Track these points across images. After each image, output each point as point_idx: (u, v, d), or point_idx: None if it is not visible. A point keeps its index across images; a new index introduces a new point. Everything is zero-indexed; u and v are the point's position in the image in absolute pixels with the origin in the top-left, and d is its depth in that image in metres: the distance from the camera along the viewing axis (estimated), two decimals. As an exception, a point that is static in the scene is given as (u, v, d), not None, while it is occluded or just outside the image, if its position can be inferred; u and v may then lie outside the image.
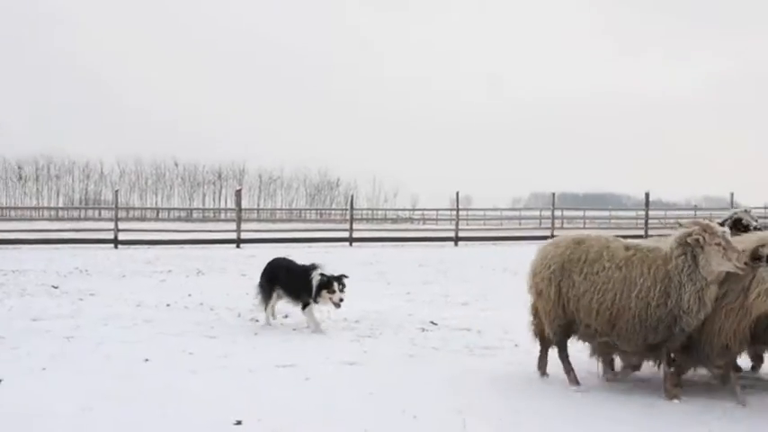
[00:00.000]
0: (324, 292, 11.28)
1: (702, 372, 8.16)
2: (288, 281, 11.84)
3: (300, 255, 12.89)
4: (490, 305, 14.42)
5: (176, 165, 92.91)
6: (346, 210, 38.19)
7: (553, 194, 38.41)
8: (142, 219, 58.04)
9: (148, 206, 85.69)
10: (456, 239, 34.69)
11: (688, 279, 7.34)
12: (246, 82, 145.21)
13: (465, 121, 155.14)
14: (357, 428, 6.69)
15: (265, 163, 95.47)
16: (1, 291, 15.96)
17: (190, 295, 15.34)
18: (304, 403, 7.49)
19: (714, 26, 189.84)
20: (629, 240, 8.10)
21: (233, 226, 32.92)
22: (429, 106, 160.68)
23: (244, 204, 50.23)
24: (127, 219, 44.62)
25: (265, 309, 12.11)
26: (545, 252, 8.37)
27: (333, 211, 74.38)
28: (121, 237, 31.49)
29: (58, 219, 58.21)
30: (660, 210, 59.30)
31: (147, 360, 9.38)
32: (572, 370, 8.29)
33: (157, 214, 68.43)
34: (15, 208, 72.19)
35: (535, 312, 8.75)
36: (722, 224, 8.45)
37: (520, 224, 50.83)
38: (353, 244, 33.14)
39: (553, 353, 8.59)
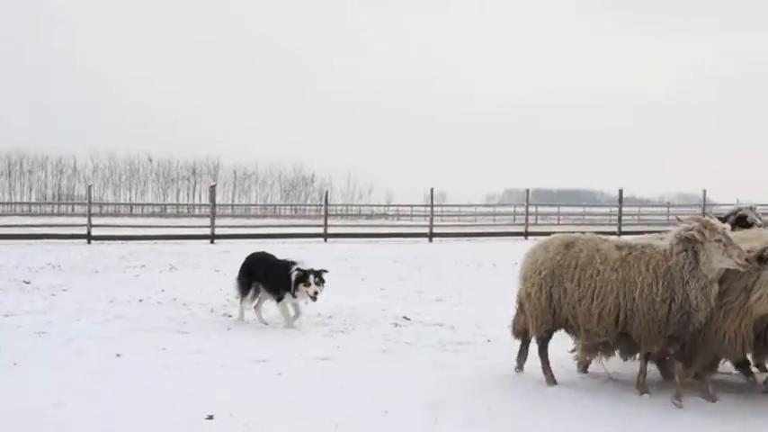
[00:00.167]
0: (301, 286, 11.28)
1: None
2: (267, 275, 11.83)
3: (275, 251, 12.81)
4: (464, 301, 14.47)
5: (150, 160, 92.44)
6: (321, 206, 38.20)
7: (527, 191, 38.55)
8: (116, 214, 57.76)
9: (122, 201, 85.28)
10: (430, 235, 34.71)
11: (691, 276, 7.24)
12: (220, 76, 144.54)
13: (440, 118, 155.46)
14: (328, 423, 6.71)
15: (240, 159, 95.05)
16: (-28, 286, 15.84)
17: (163, 291, 15.29)
18: (276, 398, 7.51)
19: (688, 25, 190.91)
20: (620, 240, 8.06)
21: (207, 221, 32.86)
22: (404, 103, 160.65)
23: (218, 200, 50.15)
24: (100, 214, 44.48)
25: (241, 302, 12.10)
26: (535, 256, 8.19)
27: (307, 207, 74.28)
28: (95, 232, 31.29)
29: (30, 214, 57.78)
30: (634, 206, 59.64)
31: (119, 355, 9.36)
32: (550, 369, 8.26)
33: (131, 210, 68.12)
34: (-13, 203, 71.60)
35: (520, 309, 8.70)
36: (725, 220, 8.44)
37: (494, 220, 50.79)
38: (328, 240, 33.10)
39: (532, 348, 8.60)
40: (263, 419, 6.82)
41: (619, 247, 7.71)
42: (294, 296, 11.42)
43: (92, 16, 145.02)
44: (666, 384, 8.13)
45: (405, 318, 12.31)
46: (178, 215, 56.62)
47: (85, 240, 30.67)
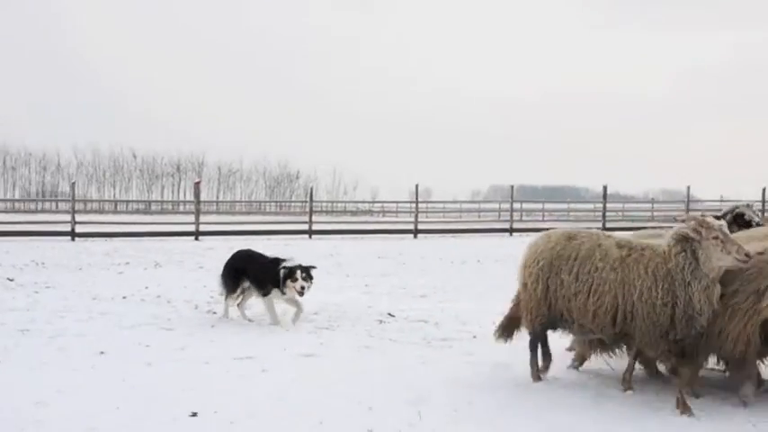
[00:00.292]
0: (288, 282, 11.23)
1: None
2: (255, 272, 11.74)
3: (260, 248, 12.80)
4: (448, 297, 14.48)
5: (135, 157, 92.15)
6: (306, 202, 38.15)
7: (512, 187, 38.58)
8: (100, 211, 57.42)
9: (106, 198, 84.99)
10: (415, 232, 34.72)
11: (693, 277, 7.02)
12: (204, 72, 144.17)
13: (425, 115, 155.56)
14: (313, 419, 6.71)
15: (225, 155, 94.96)
16: (-46, 284, 15.77)
17: (147, 288, 15.25)
18: (260, 395, 7.50)
19: (673, 23, 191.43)
20: (622, 237, 7.84)
21: (192, 218, 32.74)
22: (389, 99, 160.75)
23: (203, 197, 49.99)
24: (84, 211, 44.31)
25: (226, 299, 12.05)
26: (536, 246, 8.05)
27: (292, 204, 74.27)
28: (79, 229, 31.21)
29: (14, 211, 57.42)
30: (618, 203, 59.78)
31: (102, 353, 9.33)
32: (537, 365, 8.22)
33: (115, 206, 67.84)
34: (-30, 200, 71.25)
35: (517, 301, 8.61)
36: (722, 218, 8.34)
37: (479, 216, 50.98)
38: (313, 236, 33.07)
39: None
40: (247, 416, 6.82)
41: (620, 246, 7.51)
42: (283, 293, 11.35)
43: (72, 11, 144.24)
44: (651, 381, 8.17)
45: (389, 314, 12.31)
46: (162, 212, 56.52)
47: (69, 237, 30.58)
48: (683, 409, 7.04)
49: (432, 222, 42.60)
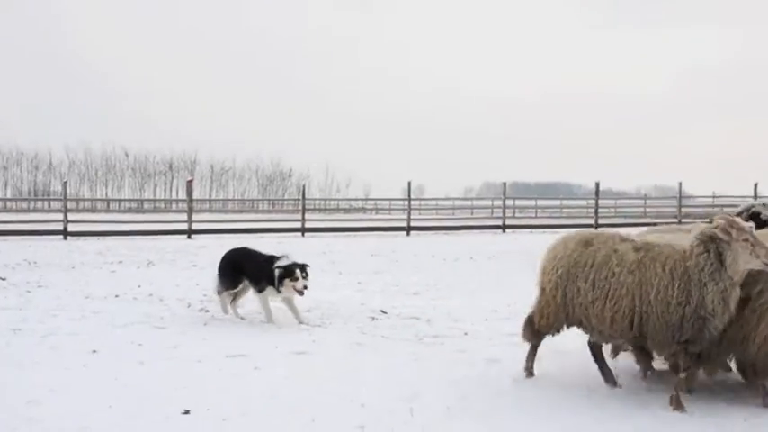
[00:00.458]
0: (286, 281, 11.16)
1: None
2: (252, 270, 11.65)
3: (253, 246, 12.78)
4: (441, 294, 14.50)
5: (127, 155, 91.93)
6: (299, 200, 38.10)
7: (504, 184, 38.63)
8: (92, 210, 57.42)
9: (98, 197, 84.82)
10: (408, 229, 34.76)
11: (710, 278, 6.83)
12: (196, 71, 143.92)
13: (417, 111, 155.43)
14: (305, 417, 6.72)
15: (217, 153, 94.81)
16: (-54, 283, 15.75)
17: (140, 286, 15.25)
18: (253, 392, 7.51)
19: (668, 21, 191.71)
20: (639, 240, 7.63)
21: (184, 217, 32.72)
22: (382, 97, 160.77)
23: (195, 195, 49.98)
24: (77, 210, 44.25)
25: (231, 302, 11.90)
26: (555, 251, 7.90)
27: (285, 202, 74.23)
28: (71, 228, 31.17)
29: (6, 210, 57.25)
30: (610, 199, 59.93)
31: (94, 351, 9.33)
32: (533, 360, 8.22)
33: (108, 205, 67.70)
34: (-38, 200, 71.09)
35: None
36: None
37: (472, 213, 51.01)
38: (306, 234, 33.10)
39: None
40: (239, 414, 6.83)
41: (636, 249, 7.33)
42: (279, 291, 11.28)
43: (66, 11, 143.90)
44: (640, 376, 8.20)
45: (382, 311, 12.33)
46: (155, 210, 56.54)
47: (62, 236, 30.55)
48: (677, 406, 7.05)
49: (424, 220, 42.52)
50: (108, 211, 59.38)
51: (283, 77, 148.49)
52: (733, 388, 7.77)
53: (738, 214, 9.18)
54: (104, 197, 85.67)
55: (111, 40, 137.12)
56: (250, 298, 11.97)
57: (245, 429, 6.44)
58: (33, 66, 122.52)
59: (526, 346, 9.35)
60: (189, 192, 34.00)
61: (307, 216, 35.05)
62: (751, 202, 9.97)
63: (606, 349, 8.41)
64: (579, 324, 7.69)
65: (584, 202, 53.96)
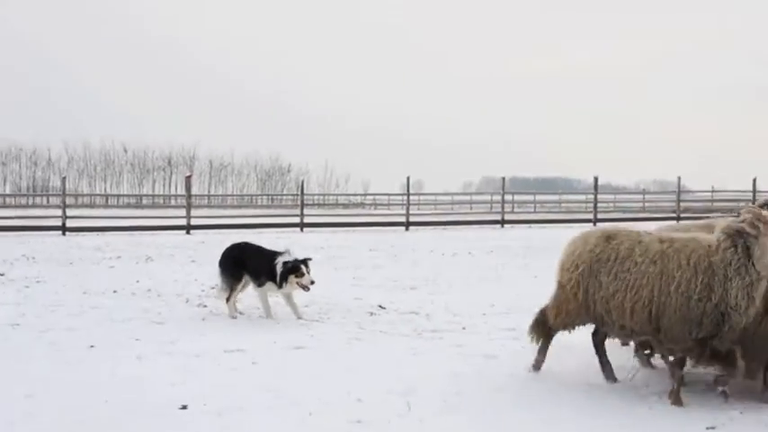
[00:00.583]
0: (291, 277, 11.09)
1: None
2: (256, 265, 11.53)
3: (252, 241, 12.77)
4: (439, 289, 14.51)
5: (125, 151, 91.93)
6: (297, 195, 38.12)
7: (503, 179, 38.62)
8: (91, 206, 57.29)
9: (97, 193, 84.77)
10: (407, 224, 34.74)
11: (735, 273, 6.69)
12: (193, 67, 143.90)
13: (416, 106, 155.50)
14: (302, 411, 6.73)
15: (216, 149, 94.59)
16: (-55, 279, 15.75)
17: (138, 282, 15.24)
18: (250, 387, 7.52)
19: (665, 6, 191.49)
20: (664, 233, 7.56)
21: (183, 212, 32.72)
22: (381, 92, 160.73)
23: (194, 191, 49.92)
24: (75, 206, 44.11)
25: (230, 295, 11.60)
26: (574, 247, 7.72)
27: (284, 197, 74.14)
28: (69, 223, 31.15)
29: (5, 206, 57.40)
30: (609, 194, 59.96)
31: (92, 347, 9.34)
32: (544, 354, 8.12)
33: (107, 201, 67.84)
34: (-39, 195, 71.08)
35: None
36: None
37: (471, 208, 50.90)
38: (304, 229, 33.07)
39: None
40: (237, 407, 6.83)
41: (661, 241, 7.18)
42: (281, 287, 11.21)
43: (62, 4, 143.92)
44: (640, 370, 8.21)
45: (380, 306, 12.33)
46: (154, 206, 56.45)
47: (60, 232, 30.54)
48: (675, 400, 7.05)
49: (423, 215, 42.61)
50: (107, 206, 59.54)
51: (279, 74, 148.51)
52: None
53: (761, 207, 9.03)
54: (103, 192, 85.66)
55: (107, 35, 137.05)
56: (249, 293, 11.96)
57: (242, 424, 6.44)
58: (32, 62, 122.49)
59: (524, 342, 9.37)
60: (188, 187, 33.99)
61: (305, 211, 35.06)
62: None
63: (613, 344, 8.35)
64: (600, 320, 7.53)
65: (583, 197, 53.99)
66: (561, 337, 8.70)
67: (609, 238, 7.47)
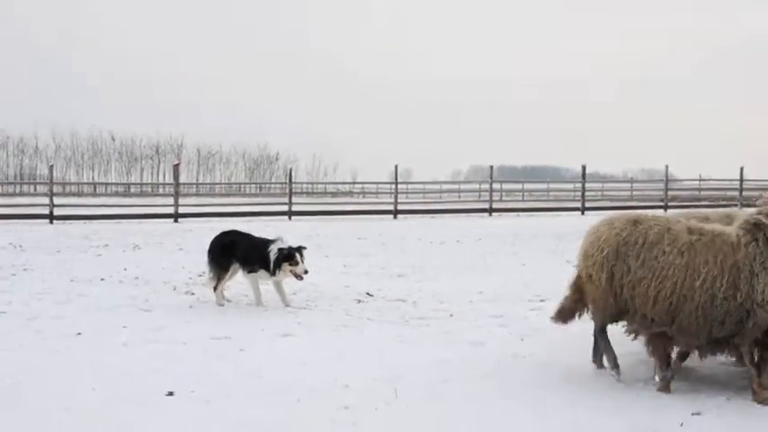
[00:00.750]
0: (285, 265, 11.07)
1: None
2: (246, 254, 11.48)
3: (240, 229, 12.74)
4: (427, 277, 14.53)
5: (113, 139, 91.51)
6: (286, 184, 38.03)
7: (491, 167, 38.61)
8: (79, 194, 57.01)
9: (85, 181, 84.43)
10: (395, 213, 34.72)
11: (762, 268, 6.56)
12: (183, 53, 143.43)
13: (405, 95, 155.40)
14: (290, 398, 6.73)
15: (204, 137, 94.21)
16: (-69, 267, 15.68)
17: (125, 269, 15.21)
18: (237, 374, 7.52)
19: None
20: (693, 222, 7.26)
21: (171, 201, 32.65)
22: (368, 80, 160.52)
23: (182, 179, 49.80)
24: (63, 194, 43.95)
25: (217, 284, 11.58)
26: (598, 233, 7.43)
27: (272, 186, 74.00)
28: (57, 212, 31.04)
29: (-9, 194, 57.16)
30: (597, 182, 60.01)
31: (79, 334, 9.32)
32: (615, 357, 7.57)
33: (95, 189, 67.52)
34: (-53, 184, 70.77)
35: (573, 292, 7.97)
36: None
37: (459, 197, 50.96)
38: (293, 218, 33.02)
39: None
40: (223, 394, 6.83)
41: (690, 231, 6.96)
42: (274, 275, 11.18)
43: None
44: (625, 357, 8.22)
45: (367, 294, 12.34)
46: (142, 194, 56.31)
47: (48, 220, 30.41)
48: (663, 387, 7.06)
49: (412, 203, 42.62)
50: (94, 194, 59.30)
51: (269, 61, 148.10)
52: (713, 368, 7.82)
53: None
54: (91, 181, 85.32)
55: (96, 24, 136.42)
56: (237, 281, 11.94)
57: (229, 411, 6.44)
58: (18, 49, 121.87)
59: (511, 328, 9.42)
60: (176, 175, 33.90)
61: (294, 200, 34.98)
62: None
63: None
64: (624, 308, 7.24)
65: (571, 186, 54.03)
66: (545, 325, 8.73)
67: (636, 222, 7.26)
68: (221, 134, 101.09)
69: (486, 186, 38.21)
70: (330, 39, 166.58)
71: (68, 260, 17.07)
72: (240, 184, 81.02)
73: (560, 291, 12.34)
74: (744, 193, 40.73)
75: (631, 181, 66.10)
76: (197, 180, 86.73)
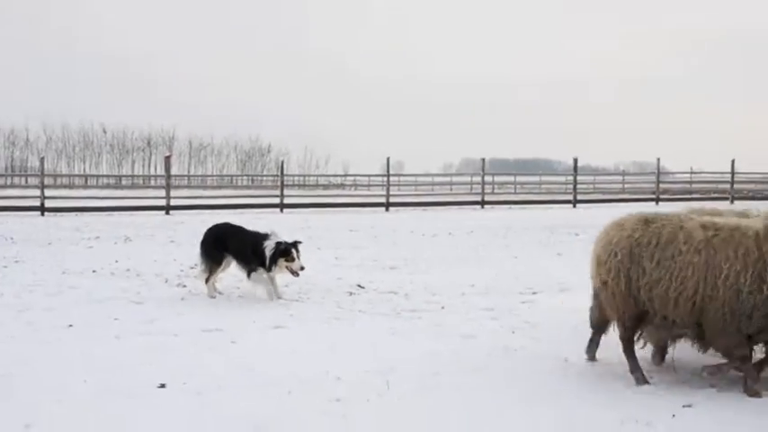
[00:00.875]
0: (281, 261, 11.04)
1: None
2: (239, 248, 11.47)
3: (235, 221, 12.73)
4: (419, 269, 14.53)
5: (104, 131, 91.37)
6: (277, 176, 37.98)
7: (483, 160, 38.63)
8: (70, 186, 56.95)
9: (76, 173, 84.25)
10: (387, 205, 34.72)
11: None
12: (175, 45, 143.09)
13: (397, 88, 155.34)
14: (281, 390, 6.73)
15: (195, 129, 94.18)
16: None
17: (117, 262, 15.19)
18: (229, 366, 7.51)
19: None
20: (706, 218, 7.13)
21: (162, 193, 32.59)
22: (362, 72, 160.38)
23: (174, 171, 49.72)
24: (54, 186, 43.91)
25: (209, 276, 11.60)
26: (609, 236, 7.25)
27: (264, 178, 73.92)
28: (48, 204, 30.98)
29: (-18, 187, 56.99)
30: (589, 175, 60.10)
31: (70, 326, 9.31)
32: (639, 368, 7.25)
33: (86, 181, 67.40)
34: (-62, 175, 70.54)
35: (596, 299, 7.72)
36: None
37: (451, 189, 51.04)
38: (285, 210, 33.00)
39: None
40: (215, 386, 6.82)
41: (704, 227, 6.81)
42: (270, 270, 11.15)
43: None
44: (615, 349, 8.24)
45: (359, 286, 12.35)
46: (133, 186, 56.24)
47: (39, 212, 30.35)
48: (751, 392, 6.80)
49: (404, 195, 42.59)
50: (86, 187, 59.16)
51: (260, 54, 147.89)
52: (703, 360, 7.84)
53: None
54: (82, 173, 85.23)
55: (88, 15, 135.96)
56: (229, 272, 11.94)
57: (221, 403, 6.43)
58: (8, 41, 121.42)
59: (502, 321, 9.44)
60: (167, 168, 33.82)
61: (285, 192, 34.96)
62: None
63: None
64: (644, 309, 7.05)
65: (563, 179, 54.16)
66: (537, 318, 8.77)
67: (647, 221, 7.10)
68: (213, 126, 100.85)
69: (479, 179, 38.20)
70: (329, 37, 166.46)
71: (60, 252, 17.04)
72: (232, 176, 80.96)
73: (551, 283, 12.49)
74: (735, 185, 40.84)
75: (623, 174, 66.15)
76: (188, 172, 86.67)
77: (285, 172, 37.08)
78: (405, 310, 10.53)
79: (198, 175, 79.41)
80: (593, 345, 7.87)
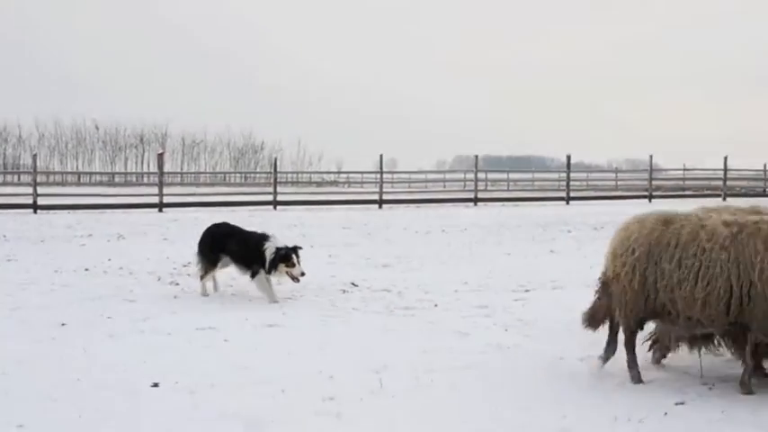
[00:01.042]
0: (281, 266, 10.98)
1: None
2: (237, 249, 11.42)
3: (225, 219, 12.73)
4: (412, 267, 14.54)
5: (97, 128, 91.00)
6: (271, 173, 37.90)
7: (476, 157, 38.61)
8: (63, 183, 56.77)
9: (69, 170, 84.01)
10: (380, 202, 34.69)
11: None
12: (166, 42, 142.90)
13: (389, 85, 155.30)
14: (274, 388, 6.73)
15: (189, 126, 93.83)
16: None
17: (110, 260, 15.16)
18: (222, 365, 7.52)
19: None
20: (726, 216, 7.02)
21: (156, 190, 32.51)
22: (353, 70, 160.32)
23: (167, 168, 49.68)
24: (47, 183, 43.76)
25: (204, 276, 11.60)
26: (628, 231, 7.13)
27: (257, 175, 73.76)
28: (41, 201, 30.86)
29: (-26, 184, 56.82)
30: (582, 172, 60.15)
31: (63, 324, 9.30)
32: (637, 366, 7.21)
33: (79, 179, 67.11)
34: (-70, 173, 70.35)
35: (602, 292, 7.59)
36: None
37: (444, 186, 50.90)
38: (278, 207, 32.95)
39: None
40: (208, 385, 6.83)
41: (727, 223, 6.70)
42: (269, 274, 11.09)
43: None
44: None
45: (353, 284, 12.35)
46: (126, 184, 56.13)
47: (31, 210, 30.24)
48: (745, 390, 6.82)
49: (397, 193, 42.53)
50: (78, 184, 58.86)
51: (252, 51, 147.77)
52: (695, 358, 7.86)
53: None
54: (75, 170, 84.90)
55: (79, 11, 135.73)
56: (224, 271, 11.92)
57: (214, 401, 6.44)
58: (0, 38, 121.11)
59: (495, 318, 9.46)
60: (160, 165, 33.78)
61: (279, 189, 34.87)
62: None
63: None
64: (662, 310, 6.96)
65: (556, 176, 54.12)
66: (530, 315, 8.79)
67: (667, 221, 6.97)
68: (206, 123, 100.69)
69: (472, 176, 38.19)
70: (312, 31, 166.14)
71: (52, 250, 17.02)
72: (225, 173, 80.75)
73: (545, 281, 12.52)
74: (727, 182, 40.93)
75: (616, 171, 66.27)
76: (181, 169, 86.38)
77: (278, 169, 36.96)
78: (398, 307, 10.54)
79: (191, 173, 79.27)
80: (612, 346, 7.51)
